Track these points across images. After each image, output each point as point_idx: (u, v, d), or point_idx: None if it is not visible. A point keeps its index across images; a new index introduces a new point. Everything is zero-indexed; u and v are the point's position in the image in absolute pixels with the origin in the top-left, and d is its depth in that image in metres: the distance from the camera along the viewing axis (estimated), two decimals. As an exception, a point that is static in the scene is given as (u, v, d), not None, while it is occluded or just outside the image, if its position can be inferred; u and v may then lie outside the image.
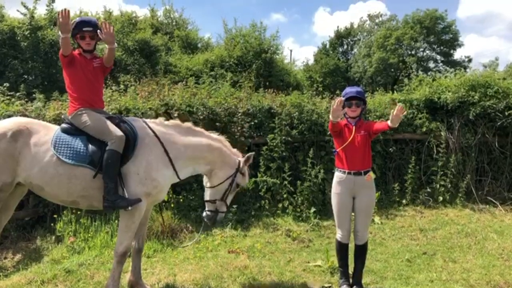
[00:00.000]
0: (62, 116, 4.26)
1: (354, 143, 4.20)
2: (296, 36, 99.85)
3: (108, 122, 3.90)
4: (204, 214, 4.43)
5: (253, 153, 4.54)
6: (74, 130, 3.90)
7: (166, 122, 4.28)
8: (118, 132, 3.81)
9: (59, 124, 4.15)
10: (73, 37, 4.00)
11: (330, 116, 4.09)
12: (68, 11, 3.68)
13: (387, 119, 4.19)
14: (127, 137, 3.85)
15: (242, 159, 4.36)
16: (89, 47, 4.07)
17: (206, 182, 4.41)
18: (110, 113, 4.76)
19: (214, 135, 4.38)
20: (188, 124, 4.34)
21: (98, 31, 3.99)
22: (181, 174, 4.12)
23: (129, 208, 3.73)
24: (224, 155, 4.29)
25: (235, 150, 4.47)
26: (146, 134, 4.01)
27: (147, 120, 4.23)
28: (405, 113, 4.12)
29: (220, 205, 4.36)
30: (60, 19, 3.65)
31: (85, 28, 3.95)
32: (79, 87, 3.98)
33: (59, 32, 3.74)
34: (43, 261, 5.03)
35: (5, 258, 5.18)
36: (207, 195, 4.39)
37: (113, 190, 3.70)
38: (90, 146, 3.81)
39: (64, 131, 3.90)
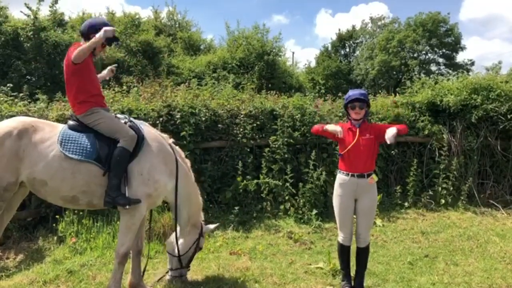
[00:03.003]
0: (70, 114, 4.29)
1: (359, 146, 4.18)
2: (297, 38, 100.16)
3: (121, 121, 3.98)
4: (168, 276, 4.49)
5: (218, 224, 4.90)
6: (81, 128, 3.92)
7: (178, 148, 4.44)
8: (131, 131, 3.88)
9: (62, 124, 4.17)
10: (87, 36, 3.95)
11: (331, 128, 4.19)
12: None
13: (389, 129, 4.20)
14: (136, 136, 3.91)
15: (204, 224, 4.56)
16: (99, 51, 4.13)
17: (171, 249, 4.44)
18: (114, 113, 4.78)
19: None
20: (189, 163, 4.47)
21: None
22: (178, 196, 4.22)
23: (127, 207, 3.76)
24: (198, 214, 4.46)
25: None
26: (156, 138, 4.10)
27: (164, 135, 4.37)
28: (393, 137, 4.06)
29: (183, 271, 4.49)
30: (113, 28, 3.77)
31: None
32: (90, 88, 3.97)
33: (102, 33, 3.71)
34: (45, 262, 5.05)
35: (7, 258, 5.20)
36: (173, 264, 4.45)
37: (116, 187, 3.74)
38: (97, 143, 3.84)
39: (71, 128, 3.93)
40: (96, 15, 20.93)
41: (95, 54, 4.10)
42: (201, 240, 4.54)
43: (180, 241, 4.37)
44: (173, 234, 4.47)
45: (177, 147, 4.39)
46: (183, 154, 4.43)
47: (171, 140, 4.35)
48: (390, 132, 4.01)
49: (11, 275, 4.71)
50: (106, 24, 3.96)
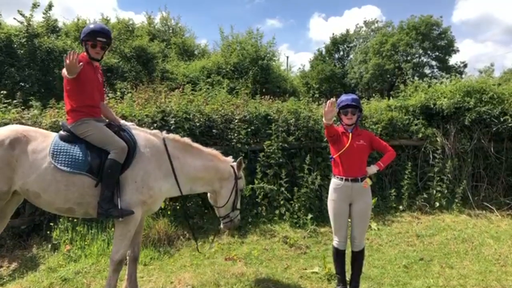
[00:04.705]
0: (61, 123, 4.25)
1: (352, 150, 4.21)
2: (291, 42, 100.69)
3: (111, 132, 3.91)
4: (222, 226, 4.68)
5: (241, 157, 4.72)
6: (72, 138, 3.88)
7: (172, 136, 4.32)
8: (121, 142, 3.83)
9: (56, 132, 4.14)
10: (83, 42, 3.98)
11: (323, 119, 4.11)
12: (77, 54, 3.62)
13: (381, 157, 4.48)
14: (127, 145, 3.86)
15: (235, 165, 4.53)
16: (98, 56, 4.04)
17: (213, 202, 4.64)
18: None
19: (209, 150, 4.50)
20: (187, 140, 4.39)
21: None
22: (182, 189, 4.22)
23: (120, 219, 3.75)
24: (220, 171, 4.44)
25: (226, 158, 4.59)
26: (147, 143, 4.05)
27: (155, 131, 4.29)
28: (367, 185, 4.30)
29: (233, 214, 4.61)
30: (67, 61, 3.57)
31: (100, 38, 3.93)
32: (83, 97, 3.92)
33: (65, 73, 3.69)
34: (39, 270, 5.02)
35: (1, 266, 5.16)
36: (220, 213, 4.63)
37: (109, 199, 3.71)
38: (89, 154, 3.80)
39: (62, 138, 3.88)
40: (90, 21, 20.93)
41: (94, 58, 4.02)
42: (240, 183, 4.58)
43: (219, 195, 4.51)
44: None
45: (170, 136, 4.29)
46: (178, 137, 4.34)
47: (163, 132, 4.29)
48: (371, 170, 4.30)
49: (5, 283, 4.67)
50: (94, 30, 3.94)
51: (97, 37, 3.93)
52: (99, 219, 3.97)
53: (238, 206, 4.66)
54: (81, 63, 3.71)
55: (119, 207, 3.75)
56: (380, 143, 4.47)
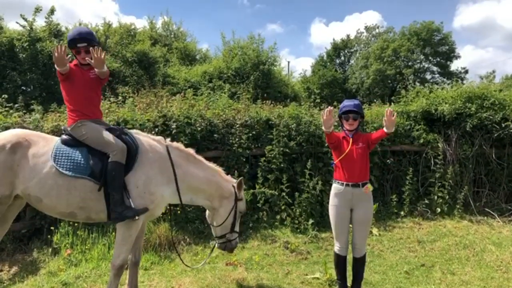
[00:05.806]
0: (62, 128, 4.24)
1: (352, 155, 4.21)
2: (292, 47, 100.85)
3: (108, 133, 3.88)
4: (217, 246, 4.59)
5: (242, 178, 4.62)
6: (74, 142, 3.87)
7: (176, 145, 4.30)
8: (119, 143, 3.81)
9: (57, 136, 4.13)
10: (70, 49, 4.01)
11: (323, 127, 4.13)
12: (65, 47, 3.65)
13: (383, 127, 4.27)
14: (128, 148, 3.85)
15: (236, 185, 4.45)
16: (85, 61, 3.99)
17: (210, 221, 4.53)
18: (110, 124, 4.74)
19: (212, 165, 4.44)
20: (191, 151, 4.35)
21: (87, 58, 3.91)
22: (183, 198, 4.18)
23: (137, 217, 3.72)
24: (221, 188, 4.37)
25: (228, 177, 4.54)
26: (150, 148, 4.03)
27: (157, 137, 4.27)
28: (395, 115, 4.18)
29: (230, 235, 4.50)
30: (56, 54, 3.61)
31: (80, 44, 3.92)
32: (76, 99, 3.95)
33: (56, 66, 3.72)
34: (40, 274, 5.00)
35: (1, 270, 5.15)
36: (216, 233, 4.53)
37: (120, 201, 3.69)
38: (90, 157, 3.79)
39: (64, 142, 3.87)
40: (92, 25, 21.02)
41: (82, 62, 4.00)
42: (240, 204, 4.48)
43: (216, 214, 4.39)
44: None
45: (173, 144, 4.27)
46: (182, 146, 4.32)
47: (167, 140, 4.28)
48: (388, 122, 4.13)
49: (5, 287, 4.67)
50: (73, 38, 3.93)
51: (77, 43, 3.92)
52: (115, 223, 3.92)
53: (237, 229, 4.55)
54: (69, 56, 3.76)
55: (132, 207, 3.74)
56: (375, 132, 4.45)
